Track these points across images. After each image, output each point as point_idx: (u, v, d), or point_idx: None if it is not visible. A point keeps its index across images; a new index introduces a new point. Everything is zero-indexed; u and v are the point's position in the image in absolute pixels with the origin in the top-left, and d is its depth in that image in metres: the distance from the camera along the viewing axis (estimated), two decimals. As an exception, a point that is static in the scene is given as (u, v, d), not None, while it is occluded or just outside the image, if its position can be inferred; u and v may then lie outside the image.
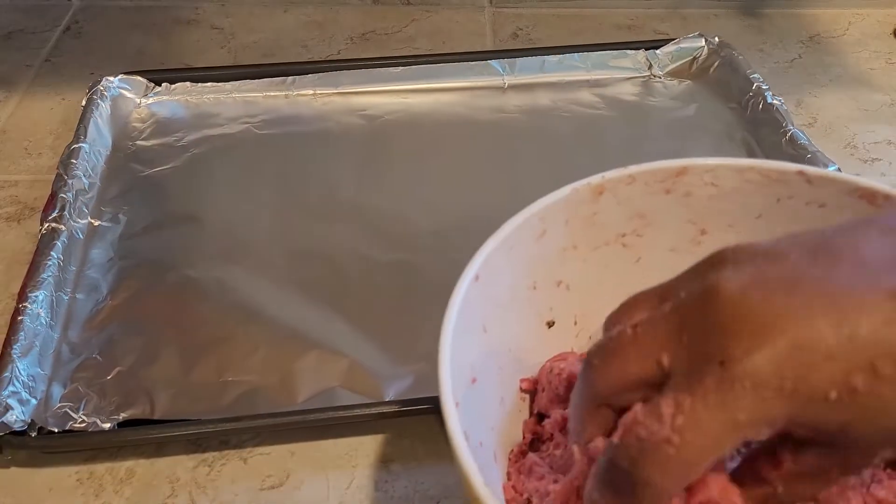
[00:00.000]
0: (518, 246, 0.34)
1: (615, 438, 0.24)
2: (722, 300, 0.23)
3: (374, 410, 0.42)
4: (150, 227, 0.53)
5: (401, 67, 0.65)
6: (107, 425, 0.42)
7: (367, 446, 0.42)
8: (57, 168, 0.54)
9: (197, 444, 0.42)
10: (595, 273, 0.38)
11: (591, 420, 0.27)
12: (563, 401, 0.35)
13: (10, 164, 0.59)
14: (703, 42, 0.67)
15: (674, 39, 0.67)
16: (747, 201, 0.36)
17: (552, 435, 0.34)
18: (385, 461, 0.42)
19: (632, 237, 0.38)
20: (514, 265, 0.35)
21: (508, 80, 0.65)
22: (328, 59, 0.69)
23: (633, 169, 0.36)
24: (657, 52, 0.67)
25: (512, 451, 0.35)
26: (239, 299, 0.49)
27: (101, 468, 0.41)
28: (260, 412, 0.42)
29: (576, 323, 0.38)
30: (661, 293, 0.27)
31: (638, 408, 0.24)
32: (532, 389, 0.37)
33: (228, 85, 0.63)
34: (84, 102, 0.59)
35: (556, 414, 0.34)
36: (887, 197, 0.33)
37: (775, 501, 0.25)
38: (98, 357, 0.45)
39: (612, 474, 0.24)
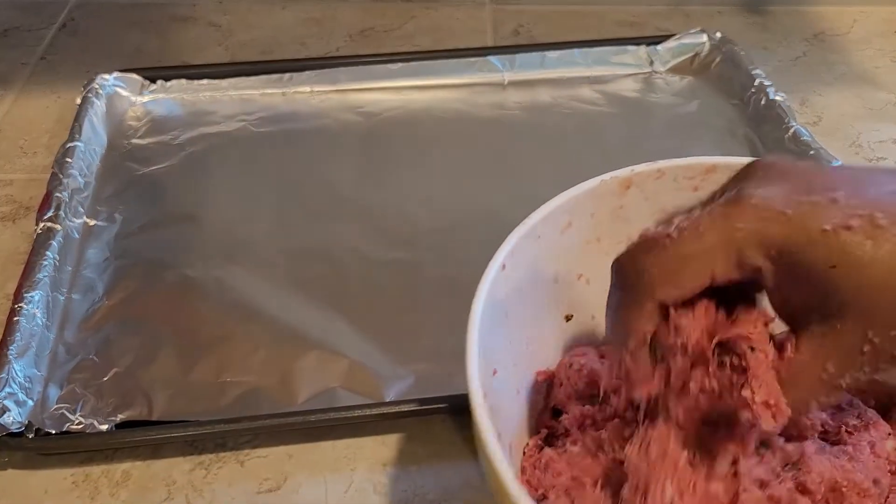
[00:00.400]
0: (544, 236, 0.35)
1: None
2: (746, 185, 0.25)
3: (374, 411, 0.42)
4: (146, 226, 0.53)
5: (399, 64, 0.64)
6: (104, 427, 0.41)
7: (366, 448, 0.42)
8: (52, 167, 0.53)
9: (193, 447, 0.42)
10: None
11: (644, 318, 0.27)
12: (582, 396, 0.35)
13: (6, 163, 0.58)
14: (704, 38, 0.66)
15: (675, 35, 0.66)
16: None
17: (568, 431, 0.34)
18: (384, 464, 0.41)
19: None
20: (539, 255, 0.35)
21: (508, 76, 0.64)
22: (326, 56, 0.68)
23: (662, 164, 0.37)
24: (658, 47, 0.66)
25: (527, 444, 0.35)
26: (238, 299, 0.48)
27: (96, 470, 0.41)
28: (259, 413, 0.42)
29: (594, 318, 0.38)
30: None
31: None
32: (548, 382, 0.36)
33: (225, 82, 0.63)
34: (79, 101, 0.58)
35: (574, 410, 0.34)
36: None
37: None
38: (95, 358, 0.45)
39: (620, 270, 0.27)
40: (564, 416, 0.34)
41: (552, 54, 0.65)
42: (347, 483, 0.40)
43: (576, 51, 0.65)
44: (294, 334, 0.46)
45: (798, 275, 0.24)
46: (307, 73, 0.63)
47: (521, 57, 0.65)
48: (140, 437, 0.41)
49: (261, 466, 0.41)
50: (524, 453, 0.34)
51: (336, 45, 0.70)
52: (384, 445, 0.42)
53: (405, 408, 0.42)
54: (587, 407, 0.34)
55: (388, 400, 0.43)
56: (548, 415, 0.36)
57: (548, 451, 0.33)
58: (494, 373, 0.32)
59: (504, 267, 0.32)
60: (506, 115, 0.62)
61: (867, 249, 0.23)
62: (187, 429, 0.41)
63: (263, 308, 0.48)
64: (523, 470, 0.34)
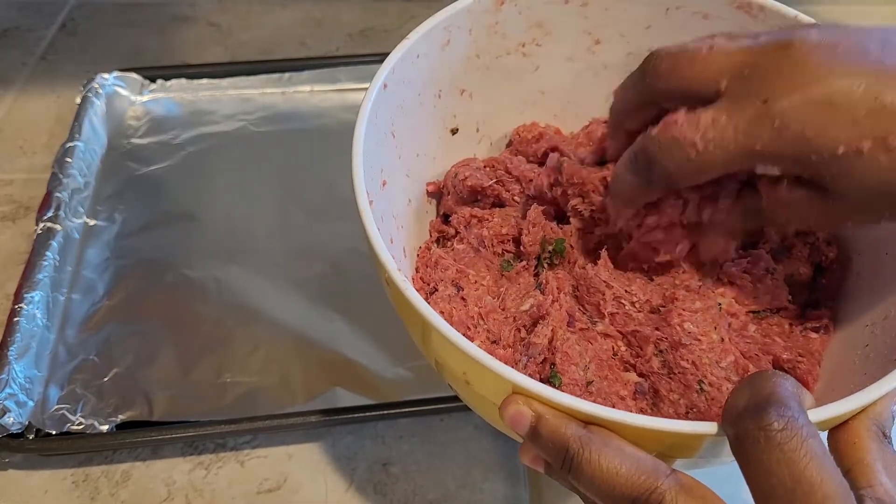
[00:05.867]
0: (424, 55, 0.36)
1: (653, 131, 0.28)
2: (791, 50, 0.26)
3: (374, 412, 0.42)
4: (146, 226, 0.53)
5: (399, 64, 0.64)
6: (104, 427, 0.41)
7: (367, 448, 0.42)
8: (52, 167, 0.53)
9: (193, 447, 0.42)
10: (496, 81, 0.40)
11: (636, 110, 0.31)
12: (467, 202, 0.38)
13: (5, 163, 0.58)
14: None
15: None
16: (639, 12, 0.39)
17: (457, 231, 0.37)
18: (384, 463, 0.41)
19: (531, 47, 0.40)
20: (421, 73, 0.37)
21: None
22: (326, 55, 0.68)
23: None
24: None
25: (420, 247, 0.37)
26: (238, 299, 0.48)
27: (96, 471, 0.41)
28: (259, 413, 0.42)
29: (478, 130, 0.41)
30: (748, 34, 0.29)
31: (682, 112, 0.27)
32: (437, 192, 0.39)
33: (224, 82, 0.62)
34: (79, 100, 0.58)
35: (462, 212, 0.37)
36: (762, 8, 0.37)
37: (758, 214, 0.30)
38: (95, 358, 0.45)
39: (641, 157, 0.29)
40: (453, 217, 0.37)
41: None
42: (348, 482, 0.41)
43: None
44: (294, 334, 0.46)
45: (805, 171, 0.26)
46: (307, 72, 0.63)
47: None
48: (140, 438, 0.41)
49: (261, 466, 0.41)
50: (418, 256, 0.37)
51: (336, 44, 0.70)
52: (384, 445, 0.42)
53: (405, 408, 0.42)
54: (475, 209, 0.37)
55: (388, 400, 0.43)
56: (439, 221, 0.39)
57: (437, 250, 0.36)
58: (384, 184, 0.34)
59: (386, 86, 0.34)
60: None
61: (871, 167, 0.25)
62: (187, 429, 0.41)
63: (263, 308, 0.48)
64: (417, 269, 0.36)
